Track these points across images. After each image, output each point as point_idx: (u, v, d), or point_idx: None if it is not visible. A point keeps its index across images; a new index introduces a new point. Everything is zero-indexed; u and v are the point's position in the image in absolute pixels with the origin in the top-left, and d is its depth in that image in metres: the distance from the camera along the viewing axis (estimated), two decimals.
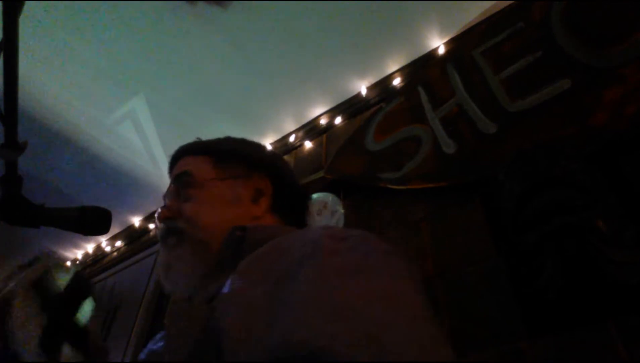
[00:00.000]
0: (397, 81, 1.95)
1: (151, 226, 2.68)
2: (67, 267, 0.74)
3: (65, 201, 2.50)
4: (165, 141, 2.39)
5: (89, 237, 2.77)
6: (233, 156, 0.88)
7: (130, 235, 2.79)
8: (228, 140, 0.94)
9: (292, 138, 2.24)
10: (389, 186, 1.61)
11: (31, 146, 0.85)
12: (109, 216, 0.87)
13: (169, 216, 0.81)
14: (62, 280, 0.72)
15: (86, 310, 0.71)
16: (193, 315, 0.58)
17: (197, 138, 0.95)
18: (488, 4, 1.77)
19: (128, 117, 2.32)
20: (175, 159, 0.93)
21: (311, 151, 2.13)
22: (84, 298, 0.71)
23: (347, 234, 0.57)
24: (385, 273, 0.50)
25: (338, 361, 0.39)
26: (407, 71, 1.96)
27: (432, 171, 1.53)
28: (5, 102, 0.80)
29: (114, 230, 2.84)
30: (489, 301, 1.19)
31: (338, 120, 2.09)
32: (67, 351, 0.67)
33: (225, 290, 0.56)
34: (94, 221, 0.85)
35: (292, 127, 2.26)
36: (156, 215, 0.83)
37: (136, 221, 2.78)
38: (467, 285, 1.26)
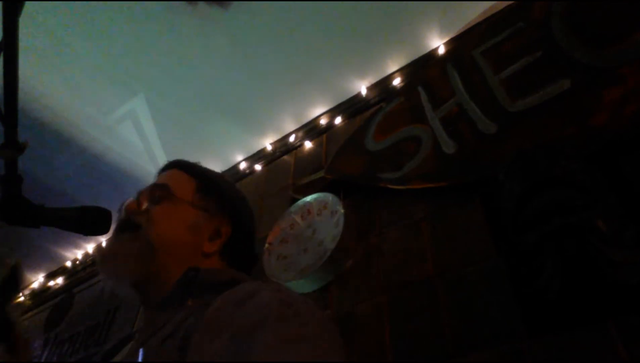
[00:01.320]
0: (397, 81, 1.95)
1: None
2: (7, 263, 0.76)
3: (65, 201, 2.50)
4: (165, 141, 2.39)
5: (89, 237, 2.77)
6: (213, 193, 0.93)
7: None
8: (217, 176, 1.01)
9: (292, 138, 2.24)
10: (389, 186, 1.61)
11: (31, 146, 0.85)
12: (109, 216, 0.87)
13: (135, 209, 0.86)
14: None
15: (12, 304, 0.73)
16: (163, 357, 0.63)
17: (198, 162, 1.01)
18: (488, 4, 1.77)
19: (128, 117, 2.32)
20: (169, 166, 0.98)
21: (311, 151, 2.13)
22: (13, 288, 0.73)
23: (292, 300, 0.62)
24: (321, 342, 0.57)
25: None
26: (407, 71, 1.96)
27: (432, 171, 1.53)
28: (5, 102, 0.80)
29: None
30: (489, 301, 1.19)
31: (338, 120, 2.09)
32: None
33: (191, 338, 0.60)
34: (94, 221, 0.85)
35: (292, 127, 2.26)
36: (124, 204, 0.88)
37: None
38: (467, 285, 1.26)
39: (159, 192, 0.88)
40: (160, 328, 0.70)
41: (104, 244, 0.85)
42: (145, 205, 0.87)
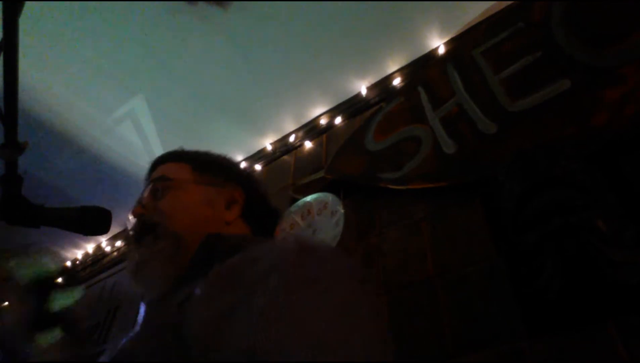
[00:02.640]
0: (397, 81, 1.95)
1: None
2: (50, 257, 0.77)
3: (65, 201, 2.50)
4: (165, 141, 2.39)
5: (89, 237, 2.77)
6: (211, 166, 0.93)
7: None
8: (207, 153, 0.99)
9: (292, 138, 2.24)
10: (389, 186, 1.61)
11: (31, 146, 0.85)
12: (109, 216, 0.87)
13: (143, 212, 0.83)
14: (46, 270, 0.75)
15: (59, 298, 0.73)
16: (166, 317, 0.59)
17: (180, 147, 1.00)
18: (488, 4, 1.77)
19: (128, 117, 2.32)
20: (155, 166, 0.96)
21: (311, 151, 2.13)
22: (50, 288, 0.74)
23: (315, 247, 0.59)
24: (343, 291, 0.53)
25: None
26: (407, 71, 1.96)
27: (432, 171, 1.53)
28: (5, 102, 0.80)
29: (114, 230, 2.83)
30: (489, 302, 1.19)
31: (338, 120, 2.09)
32: (48, 337, 0.69)
33: (196, 294, 0.57)
34: (94, 221, 0.85)
35: (292, 127, 2.26)
36: (129, 213, 0.85)
37: None
38: (467, 285, 1.26)
39: (159, 185, 0.86)
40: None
41: (129, 260, 0.81)
42: (151, 204, 0.84)
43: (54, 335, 0.70)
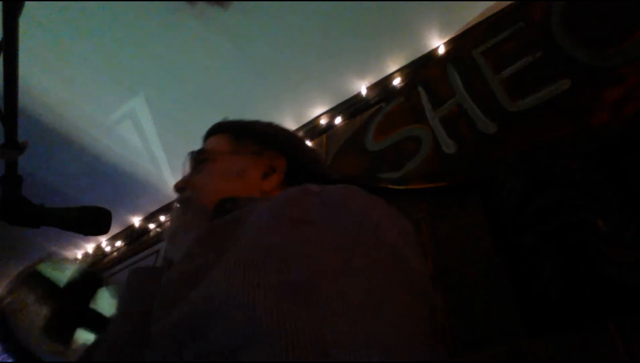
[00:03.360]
0: (397, 81, 1.95)
1: (151, 226, 2.68)
2: (67, 264, 0.77)
3: (65, 201, 2.50)
4: (165, 141, 2.39)
5: (89, 237, 2.77)
6: (249, 132, 0.90)
7: (130, 234, 2.79)
8: (251, 121, 0.95)
9: None
10: (389, 186, 1.61)
11: (31, 146, 0.85)
12: (109, 216, 0.87)
13: (181, 186, 0.84)
14: (66, 274, 0.76)
15: (102, 298, 0.74)
16: (149, 277, 0.56)
17: (226, 116, 0.98)
18: (488, 4, 1.77)
19: (128, 117, 2.32)
20: (205, 139, 0.97)
21: None
22: (95, 288, 0.74)
23: (325, 189, 0.52)
24: (348, 243, 0.44)
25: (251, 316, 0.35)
26: (407, 71, 1.96)
27: (432, 171, 1.53)
28: (5, 102, 0.80)
29: (114, 229, 2.83)
30: (489, 302, 1.19)
31: (338, 120, 2.09)
32: (81, 335, 0.70)
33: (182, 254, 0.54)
34: (94, 221, 0.85)
35: (292, 127, 2.26)
36: (173, 186, 0.87)
37: (136, 221, 2.78)
38: (467, 285, 1.26)
39: (199, 157, 0.87)
40: None
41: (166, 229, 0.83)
42: (189, 178, 0.86)
43: (76, 338, 0.71)
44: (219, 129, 0.95)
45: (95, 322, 0.74)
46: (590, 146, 1.21)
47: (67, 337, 0.72)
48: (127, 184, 2.59)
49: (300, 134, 2.22)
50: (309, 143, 2.16)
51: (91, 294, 0.77)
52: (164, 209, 2.62)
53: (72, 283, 0.77)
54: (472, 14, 1.81)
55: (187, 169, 0.88)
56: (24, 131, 0.84)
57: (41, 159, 2.40)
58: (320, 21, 1.90)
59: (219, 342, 0.36)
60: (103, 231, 0.86)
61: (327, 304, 0.36)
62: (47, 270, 0.78)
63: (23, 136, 0.84)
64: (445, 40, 1.88)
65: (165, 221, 2.56)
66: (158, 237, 2.55)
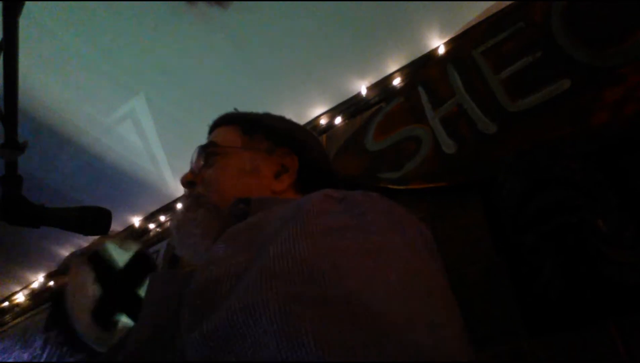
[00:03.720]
0: (397, 81, 1.95)
1: (151, 226, 2.68)
2: (130, 244, 0.76)
3: (65, 201, 2.50)
4: (165, 141, 2.39)
5: (89, 237, 2.77)
6: (260, 128, 0.88)
7: (130, 234, 2.79)
8: (262, 114, 0.95)
9: None
10: (389, 186, 1.61)
11: (31, 146, 0.85)
12: (109, 216, 0.87)
13: (191, 180, 0.82)
14: (124, 257, 0.75)
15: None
16: (171, 281, 0.54)
17: (235, 109, 0.98)
18: (488, 4, 1.77)
19: (128, 117, 2.32)
20: (212, 128, 0.96)
21: None
22: (146, 273, 0.73)
23: (347, 195, 0.52)
24: (374, 231, 0.44)
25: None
26: (407, 71, 1.96)
27: (432, 171, 1.53)
28: (5, 102, 0.80)
29: (114, 229, 2.83)
30: (488, 302, 1.19)
31: (338, 120, 2.09)
32: (124, 322, 0.69)
33: (208, 256, 0.53)
34: (94, 221, 0.85)
35: None
36: (180, 178, 0.85)
37: (136, 221, 2.78)
38: (467, 285, 1.26)
39: (208, 150, 0.84)
40: None
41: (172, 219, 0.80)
42: (198, 171, 0.83)
43: (120, 323, 0.70)
44: (227, 121, 0.92)
45: (138, 309, 0.73)
46: (590, 146, 1.21)
47: (111, 322, 0.70)
48: (127, 184, 2.59)
49: None
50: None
51: (142, 279, 0.76)
52: (164, 209, 2.61)
53: (128, 266, 0.76)
54: (472, 14, 1.81)
55: (195, 160, 0.85)
56: (24, 131, 0.84)
57: (41, 159, 2.40)
58: (321, 21, 1.90)
59: (256, 353, 0.36)
60: (103, 231, 0.86)
61: (373, 321, 0.36)
62: (111, 248, 0.77)
63: (23, 136, 0.84)
64: (445, 40, 1.87)
65: (166, 221, 2.56)
66: (158, 237, 2.55)
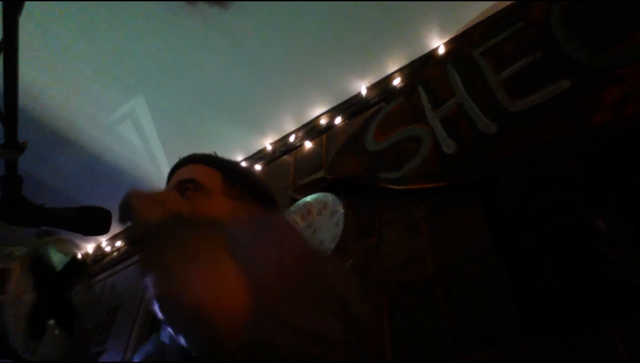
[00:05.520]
0: (397, 81, 1.95)
1: None
2: (68, 247, 0.74)
3: (65, 201, 2.50)
4: (165, 141, 2.39)
5: (89, 237, 2.77)
6: (240, 180, 0.91)
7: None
8: (237, 164, 0.98)
9: (292, 138, 2.24)
10: (389, 186, 1.61)
11: (31, 146, 0.85)
12: (109, 216, 0.87)
13: (178, 210, 0.80)
14: (61, 260, 0.73)
15: (79, 291, 0.71)
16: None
17: (214, 152, 0.98)
18: (488, 4, 1.77)
19: (128, 117, 2.32)
20: (185, 162, 0.94)
21: (311, 151, 2.13)
22: (78, 279, 0.72)
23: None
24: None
25: None
26: (407, 71, 1.96)
27: (432, 171, 1.53)
28: (5, 102, 0.80)
29: (114, 230, 2.83)
30: (488, 301, 1.19)
31: (338, 120, 2.09)
32: (56, 331, 0.67)
33: None
34: (94, 221, 0.85)
35: (292, 127, 2.26)
36: None
37: None
38: (467, 285, 1.26)
39: (186, 186, 0.84)
40: None
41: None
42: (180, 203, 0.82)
43: (54, 332, 0.68)
44: (208, 162, 0.94)
45: (67, 316, 0.71)
46: (590, 146, 1.21)
47: (43, 330, 0.69)
48: (127, 184, 2.59)
49: (300, 134, 2.22)
50: (309, 143, 2.16)
51: (73, 285, 0.75)
52: None
53: (63, 271, 0.75)
54: (472, 14, 1.81)
55: (170, 190, 0.85)
56: (24, 131, 0.84)
57: (41, 159, 2.40)
58: (321, 21, 1.90)
59: None
60: (103, 231, 0.86)
61: None
62: (51, 250, 0.75)
63: (23, 136, 0.84)
64: (445, 40, 1.88)
65: None
66: None
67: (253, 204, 0.88)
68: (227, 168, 0.92)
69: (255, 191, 0.91)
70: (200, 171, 0.89)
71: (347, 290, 0.54)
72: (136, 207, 0.67)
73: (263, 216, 0.66)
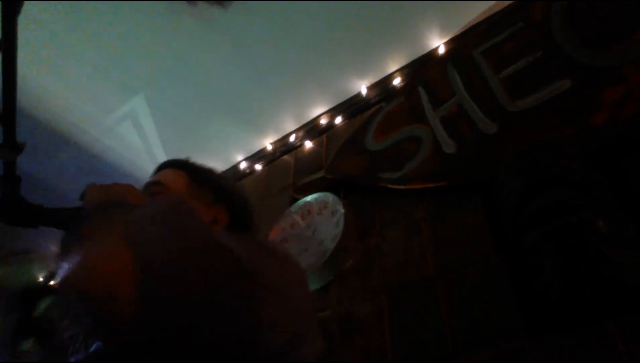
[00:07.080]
0: (397, 81, 1.95)
1: None
2: (30, 266, 0.76)
3: (65, 201, 2.49)
4: (165, 141, 2.39)
5: None
6: (206, 182, 0.96)
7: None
8: (205, 168, 1.03)
9: (292, 138, 2.24)
10: (389, 186, 1.61)
11: (31, 146, 0.85)
12: None
13: None
14: (22, 279, 0.74)
15: (42, 307, 0.72)
16: None
17: (187, 157, 1.04)
18: (488, 4, 1.76)
19: (128, 117, 2.32)
20: (158, 168, 1.02)
21: (311, 151, 2.13)
22: (40, 297, 0.73)
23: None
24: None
25: None
26: (407, 71, 1.96)
27: (432, 171, 1.53)
28: (4, 102, 0.80)
29: None
30: (489, 301, 1.19)
31: (338, 120, 2.09)
32: (30, 347, 0.68)
33: None
34: None
35: (292, 127, 2.26)
36: None
37: None
38: (467, 285, 1.26)
39: (152, 188, 0.91)
40: None
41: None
42: None
43: (31, 344, 0.70)
44: (176, 165, 0.99)
45: (38, 331, 0.72)
46: (590, 146, 1.21)
47: (18, 346, 0.70)
48: None
49: (301, 134, 2.22)
50: (309, 143, 2.16)
51: (36, 303, 0.76)
52: None
53: (25, 290, 0.76)
54: (472, 14, 1.81)
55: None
56: (23, 131, 0.84)
57: (41, 159, 2.40)
58: (321, 21, 1.90)
59: None
60: None
61: None
62: (13, 275, 0.77)
63: (23, 136, 0.84)
64: (445, 40, 1.87)
65: None
66: None
67: (214, 207, 0.92)
68: (194, 169, 0.99)
69: (218, 193, 0.96)
70: (167, 174, 0.97)
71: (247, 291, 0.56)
72: (88, 192, 0.79)
73: (166, 202, 0.68)
